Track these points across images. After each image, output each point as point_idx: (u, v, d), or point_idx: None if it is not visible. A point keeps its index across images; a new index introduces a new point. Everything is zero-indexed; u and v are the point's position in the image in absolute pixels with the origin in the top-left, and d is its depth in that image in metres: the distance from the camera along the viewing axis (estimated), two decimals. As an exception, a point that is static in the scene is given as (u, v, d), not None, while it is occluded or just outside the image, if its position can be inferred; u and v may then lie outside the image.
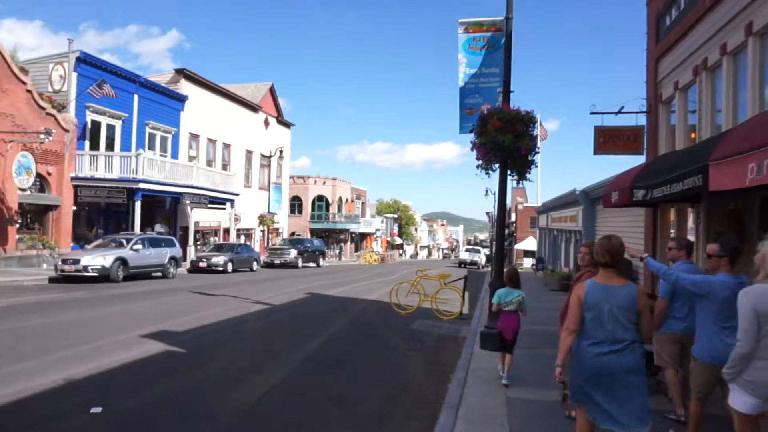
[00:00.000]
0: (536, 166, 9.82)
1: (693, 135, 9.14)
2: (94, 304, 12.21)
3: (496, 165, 9.19)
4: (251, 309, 12.33)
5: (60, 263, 17.27)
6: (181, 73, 29.92)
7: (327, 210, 54.19)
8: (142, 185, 21.96)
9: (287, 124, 43.33)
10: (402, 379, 6.87)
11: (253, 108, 37.36)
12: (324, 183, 54.65)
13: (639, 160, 11.15)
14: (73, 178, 22.03)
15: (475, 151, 8.80)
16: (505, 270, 7.49)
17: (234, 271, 25.59)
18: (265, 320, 10.99)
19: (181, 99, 29.31)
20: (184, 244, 28.06)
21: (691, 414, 4.27)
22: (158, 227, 27.55)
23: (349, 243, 59.38)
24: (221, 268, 24.59)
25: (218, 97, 33.30)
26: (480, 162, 9.09)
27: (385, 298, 14.94)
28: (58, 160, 21.44)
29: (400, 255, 78.97)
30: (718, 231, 7.68)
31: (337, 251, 55.79)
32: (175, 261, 21.17)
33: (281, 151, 38.66)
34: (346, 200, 58.03)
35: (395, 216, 76.95)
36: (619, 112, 10.87)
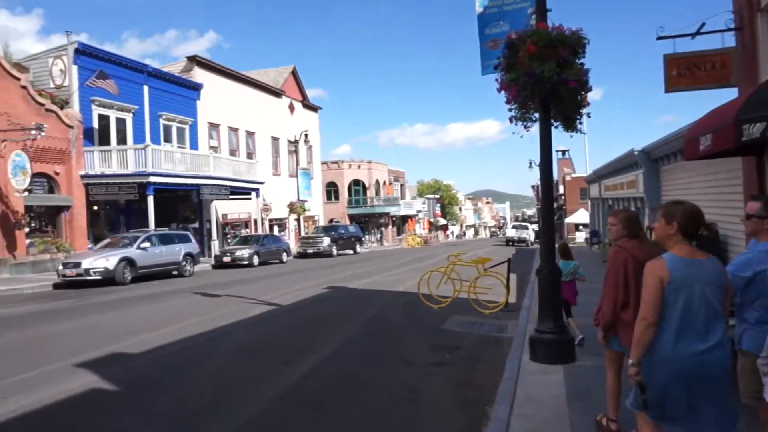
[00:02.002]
0: (589, 116, 7.26)
1: (815, 48, 6.47)
2: (70, 316, 10.51)
3: (536, 114, 6.79)
4: (249, 313, 10.35)
5: (61, 268, 15.91)
6: (194, 60, 28.34)
7: (364, 194, 52.12)
8: (152, 179, 20.43)
9: (314, 108, 41.39)
10: (413, 425, 4.71)
11: (276, 93, 35.56)
12: (359, 167, 52.52)
13: (713, 103, 8.45)
14: (83, 176, 20.78)
15: (503, 92, 6.39)
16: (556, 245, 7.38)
17: (261, 264, 24.01)
18: (258, 330, 8.93)
19: (196, 87, 27.74)
20: (209, 238, 26.73)
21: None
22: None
23: (390, 227, 57.30)
24: (246, 262, 23.05)
25: (237, 84, 31.60)
26: (512, 111, 6.69)
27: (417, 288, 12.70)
28: (65, 159, 20.18)
29: (447, 236, 76.42)
30: None
31: (378, 236, 53.83)
32: (192, 258, 19.61)
33: (306, 135, 36.76)
34: (384, 183, 55.82)
35: (437, 196, 74.24)
36: (698, 33, 8.15)
